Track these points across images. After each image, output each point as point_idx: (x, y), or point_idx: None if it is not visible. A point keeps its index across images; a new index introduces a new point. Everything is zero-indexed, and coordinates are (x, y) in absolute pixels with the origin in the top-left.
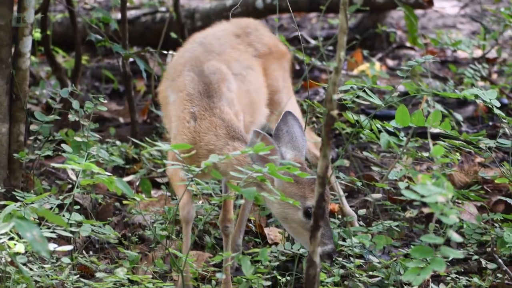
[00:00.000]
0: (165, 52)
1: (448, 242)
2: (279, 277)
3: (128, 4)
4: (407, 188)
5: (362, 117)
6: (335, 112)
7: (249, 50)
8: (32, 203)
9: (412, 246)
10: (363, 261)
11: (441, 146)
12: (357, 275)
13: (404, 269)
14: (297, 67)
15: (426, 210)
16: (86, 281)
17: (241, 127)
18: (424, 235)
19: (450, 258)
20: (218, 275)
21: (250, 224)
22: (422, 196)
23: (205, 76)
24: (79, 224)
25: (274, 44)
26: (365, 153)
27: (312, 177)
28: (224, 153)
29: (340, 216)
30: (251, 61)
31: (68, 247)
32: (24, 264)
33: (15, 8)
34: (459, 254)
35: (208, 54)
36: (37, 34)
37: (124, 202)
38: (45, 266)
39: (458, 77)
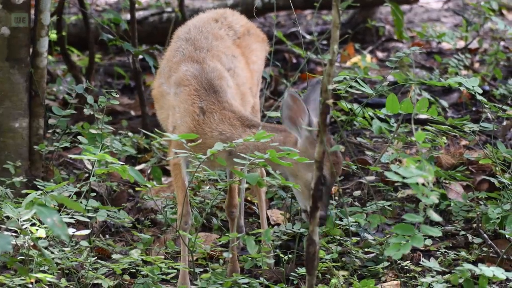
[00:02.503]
0: None
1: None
2: (281, 255)
3: (136, 6)
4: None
5: (355, 106)
6: (330, 101)
7: (230, 34)
8: (52, 191)
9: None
10: (359, 238)
11: (423, 133)
12: (353, 252)
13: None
14: (294, 61)
15: (410, 192)
16: (103, 262)
17: (250, 116)
18: (406, 214)
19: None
20: (225, 254)
21: (254, 207)
22: (404, 178)
23: (206, 73)
24: (95, 210)
25: (252, 27)
26: (358, 139)
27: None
28: (244, 138)
29: (336, 198)
30: (233, 49)
31: (86, 231)
32: (46, 248)
33: (32, 11)
34: (437, 232)
35: (200, 52)
36: (53, 35)
37: (137, 188)
38: (65, 249)
39: (443, 67)
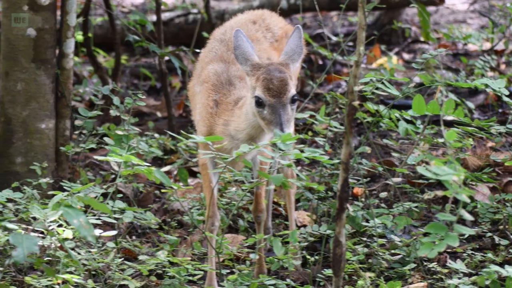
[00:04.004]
0: (197, 50)
1: (464, 222)
2: (308, 256)
3: (162, 7)
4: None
5: (382, 107)
6: (356, 103)
7: (267, 36)
8: (78, 192)
9: None
10: (385, 240)
11: (454, 132)
12: (380, 253)
13: None
14: (320, 62)
15: (439, 193)
16: (130, 263)
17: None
18: (439, 213)
19: (466, 236)
20: (251, 255)
21: (280, 209)
22: (437, 175)
23: (229, 72)
24: (122, 211)
25: (290, 29)
26: (385, 140)
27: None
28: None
29: (363, 199)
30: (269, 51)
31: (113, 233)
32: (72, 249)
33: (58, 12)
34: (470, 231)
35: (231, 53)
36: (79, 36)
37: (163, 190)
38: (92, 250)
39: (469, 68)
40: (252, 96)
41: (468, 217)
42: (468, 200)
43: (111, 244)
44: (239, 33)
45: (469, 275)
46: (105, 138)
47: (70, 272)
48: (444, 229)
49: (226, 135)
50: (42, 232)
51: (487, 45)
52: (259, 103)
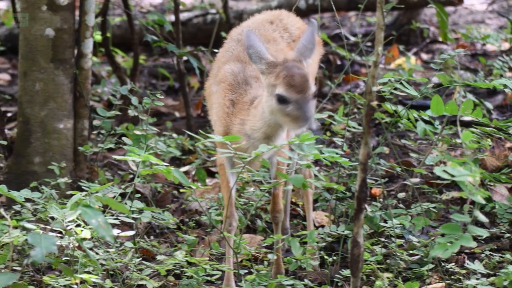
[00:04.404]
0: (215, 50)
1: (482, 222)
2: (326, 257)
3: (180, 7)
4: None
5: (400, 107)
6: (374, 103)
7: (284, 36)
8: (96, 192)
9: None
10: (403, 240)
11: (470, 132)
12: (398, 254)
13: None
14: (339, 62)
15: (456, 194)
16: (148, 263)
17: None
18: (453, 214)
19: (484, 236)
20: (269, 256)
21: (298, 209)
22: (453, 176)
23: (245, 72)
24: (140, 211)
25: None
26: (403, 141)
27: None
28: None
29: (381, 200)
30: (286, 51)
31: (131, 232)
32: (91, 249)
33: (77, 12)
34: (484, 232)
35: None
36: (98, 36)
37: (181, 190)
38: (110, 250)
39: (487, 69)
40: (272, 94)
41: (483, 218)
42: (483, 201)
43: (129, 244)
44: (249, 33)
45: (487, 276)
46: (123, 138)
47: (88, 272)
48: (459, 230)
49: (243, 134)
50: (60, 232)
51: (505, 46)
52: (282, 100)
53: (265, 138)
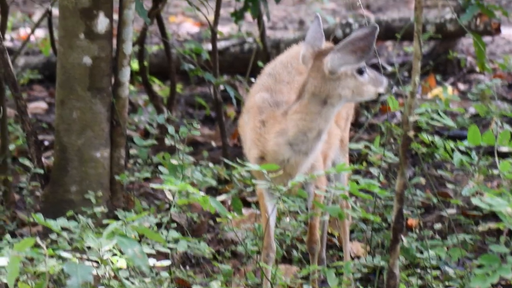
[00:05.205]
0: (253, 80)
1: None
2: None
3: (218, 36)
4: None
5: (437, 138)
6: (411, 134)
7: None
8: (132, 221)
9: None
10: (439, 272)
11: (508, 163)
12: (434, 285)
13: None
14: None
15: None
16: None
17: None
18: (492, 245)
19: None
20: (305, 286)
21: (334, 239)
22: (491, 206)
23: (275, 98)
24: (176, 241)
25: None
26: (439, 171)
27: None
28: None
29: (417, 230)
30: None
31: (166, 262)
32: (126, 278)
33: (114, 40)
34: None
35: (279, 83)
36: (135, 65)
37: (218, 220)
38: (146, 280)
39: None
40: (349, 76)
41: None
42: None
43: (165, 274)
44: (316, 19)
45: None
46: (160, 167)
47: None
48: (497, 260)
49: (282, 145)
50: (96, 261)
51: None
52: (361, 71)
53: (317, 136)
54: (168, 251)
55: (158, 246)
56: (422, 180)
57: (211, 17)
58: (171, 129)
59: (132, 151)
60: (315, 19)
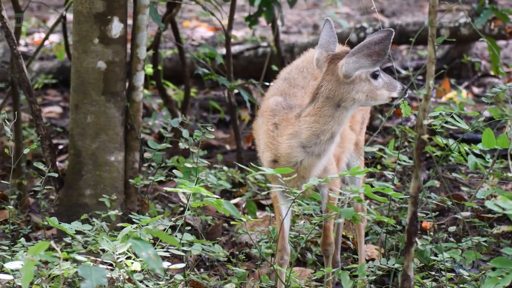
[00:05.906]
0: (267, 84)
1: None
2: None
3: (232, 40)
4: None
5: (451, 141)
6: (425, 137)
7: None
8: (147, 224)
9: None
10: (453, 274)
11: None
12: None
13: None
14: None
15: (506, 228)
16: None
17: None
18: (505, 248)
19: None
20: None
21: (348, 242)
22: (504, 210)
23: (288, 101)
24: (190, 244)
25: None
26: (454, 174)
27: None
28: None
29: (432, 233)
30: None
31: (181, 265)
32: (141, 281)
33: (129, 45)
34: None
35: (293, 88)
36: (149, 69)
37: (232, 222)
38: (160, 283)
39: None
40: (363, 80)
41: None
42: None
43: (179, 277)
44: (328, 23)
45: None
46: (174, 171)
47: None
48: (510, 263)
49: (295, 147)
50: (110, 264)
51: None
52: (375, 75)
53: (331, 138)
54: (183, 254)
55: (172, 249)
56: (437, 183)
57: (225, 22)
58: (185, 132)
59: (147, 155)
60: (326, 22)
